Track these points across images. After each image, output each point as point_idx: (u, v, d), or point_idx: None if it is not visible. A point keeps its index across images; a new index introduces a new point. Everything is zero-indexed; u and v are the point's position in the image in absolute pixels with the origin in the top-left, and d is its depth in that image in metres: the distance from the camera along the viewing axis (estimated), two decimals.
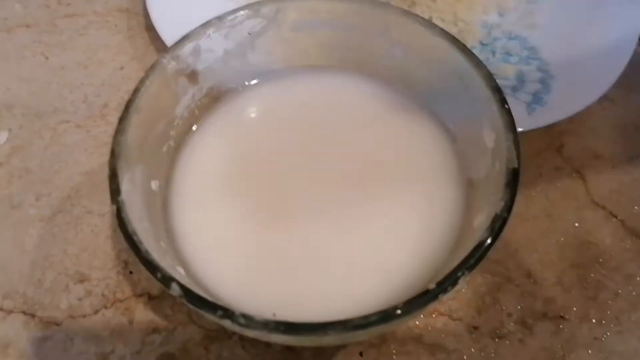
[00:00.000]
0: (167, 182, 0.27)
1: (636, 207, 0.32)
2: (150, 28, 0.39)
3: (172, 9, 0.38)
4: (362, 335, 0.24)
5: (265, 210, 0.26)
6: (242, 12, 0.27)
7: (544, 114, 0.32)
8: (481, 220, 0.23)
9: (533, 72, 0.35)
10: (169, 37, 0.36)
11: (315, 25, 0.29)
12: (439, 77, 0.28)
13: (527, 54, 0.36)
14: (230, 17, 0.27)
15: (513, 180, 0.22)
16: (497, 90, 0.24)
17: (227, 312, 0.19)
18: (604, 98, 0.33)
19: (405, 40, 0.28)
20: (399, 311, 0.20)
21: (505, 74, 0.35)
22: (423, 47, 0.27)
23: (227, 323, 0.19)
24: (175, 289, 0.20)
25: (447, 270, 0.22)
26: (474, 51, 0.36)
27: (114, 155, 0.23)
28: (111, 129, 0.35)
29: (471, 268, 0.20)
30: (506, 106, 0.24)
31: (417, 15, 0.27)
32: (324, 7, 0.28)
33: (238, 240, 0.25)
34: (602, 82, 0.33)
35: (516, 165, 0.22)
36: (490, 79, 0.25)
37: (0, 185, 0.33)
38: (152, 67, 0.25)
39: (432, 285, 0.20)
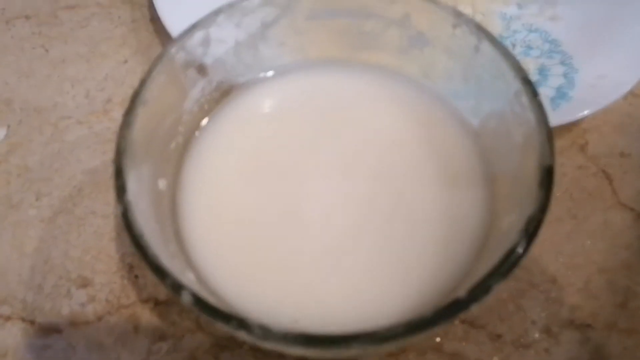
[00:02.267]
0: (175, 181, 0.25)
1: None
2: (155, 19, 0.38)
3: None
4: (387, 347, 0.22)
5: (281, 211, 0.24)
6: (254, 0, 0.26)
7: (569, 109, 0.30)
8: (511, 222, 0.22)
9: (556, 66, 0.33)
10: (174, 28, 0.34)
11: (331, 13, 0.27)
12: (463, 68, 0.26)
13: (548, 47, 0.34)
14: (242, 4, 0.26)
15: (548, 179, 0.21)
16: (528, 82, 0.23)
17: (242, 323, 0.18)
18: (629, 93, 0.31)
19: (427, 29, 0.26)
20: (427, 322, 0.18)
21: (527, 68, 0.33)
22: (446, 36, 0.26)
23: (242, 334, 0.18)
24: (186, 297, 0.18)
25: (474, 277, 0.21)
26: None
27: (119, 151, 0.21)
28: (115, 126, 0.33)
29: (505, 275, 0.19)
30: (538, 98, 0.22)
31: (439, 3, 0.25)
32: None
33: (252, 243, 0.24)
34: (629, 76, 0.31)
35: (551, 163, 0.21)
36: (520, 69, 0.23)
37: None
38: (159, 58, 0.24)
39: (462, 294, 0.19)
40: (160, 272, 0.19)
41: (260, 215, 0.24)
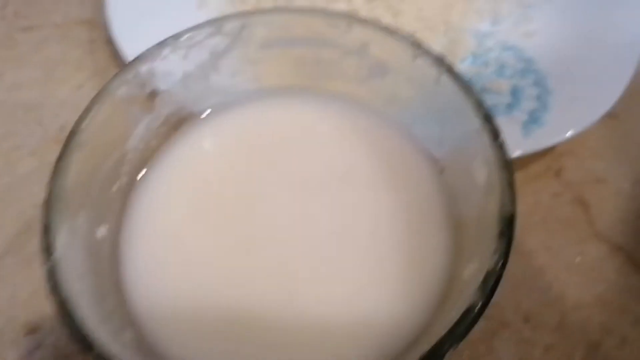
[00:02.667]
0: (117, 227, 0.24)
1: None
2: (112, 41, 0.36)
3: (134, 20, 0.34)
4: None
5: (232, 258, 0.23)
6: (201, 30, 0.24)
7: (541, 135, 0.29)
8: (472, 273, 0.20)
9: (529, 87, 0.32)
10: (130, 51, 0.33)
11: (286, 42, 0.26)
12: (425, 100, 0.24)
13: (522, 67, 0.33)
14: (188, 36, 0.24)
15: (508, 230, 0.19)
16: (488, 120, 0.21)
17: None
18: (607, 114, 0.30)
19: (386, 58, 0.25)
20: None
21: (499, 89, 0.32)
22: (406, 66, 0.24)
23: None
24: None
25: (433, 329, 0.19)
26: (466, 63, 0.34)
27: (48, 205, 0.20)
28: None
29: (461, 338, 0.18)
30: (499, 140, 0.21)
31: (398, 33, 0.24)
32: (296, 22, 0.25)
33: (199, 294, 0.22)
34: (605, 98, 0.30)
35: (512, 212, 0.19)
36: (480, 106, 0.22)
37: None
38: (99, 95, 0.22)
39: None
40: (85, 342, 0.17)
41: (208, 263, 0.23)
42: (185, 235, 0.24)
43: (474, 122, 0.21)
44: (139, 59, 0.24)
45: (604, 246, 0.28)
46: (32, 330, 0.27)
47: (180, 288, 0.23)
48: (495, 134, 0.21)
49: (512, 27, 0.35)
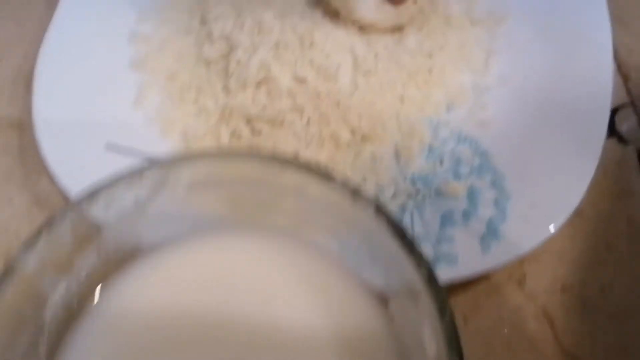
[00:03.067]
0: None
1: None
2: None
3: (62, 126, 0.32)
4: None
5: None
6: (119, 185, 0.22)
7: (501, 250, 0.27)
8: None
9: (486, 190, 0.30)
10: (58, 165, 0.30)
11: (215, 184, 0.23)
12: (367, 243, 0.23)
13: (478, 162, 0.31)
14: (106, 192, 0.22)
15: None
16: (438, 292, 0.19)
17: None
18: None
19: (325, 200, 0.23)
20: None
21: (455, 193, 0.30)
22: (344, 210, 0.22)
23: None
24: None
25: None
26: (421, 158, 0.32)
27: None
28: None
29: None
30: (447, 318, 0.19)
31: (335, 179, 0.22)
32: (223, 168, 0.23)
33: None
34: (567, 201, 0.28)
35: None
36: (420, 263, 0.20)
37: None
38: (5, 273, 0.20)
39: None
40: None
41: None
42: None
43: (422, 291, 0.19)
44: (50, 223, 0.21)
45: None
46: None
47: None
48: (443, 309, 0.19)
49: (467, 114, 0.33)
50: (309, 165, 0.22)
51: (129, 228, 0.24)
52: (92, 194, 0.22)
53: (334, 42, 0.33)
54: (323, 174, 0.22)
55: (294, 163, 0.22)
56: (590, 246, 0.30)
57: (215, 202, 0.24)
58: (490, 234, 0.28)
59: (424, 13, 0.36)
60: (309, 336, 0.23)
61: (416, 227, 0.29)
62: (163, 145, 0.33)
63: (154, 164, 0.22)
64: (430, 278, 0.19)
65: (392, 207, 0.30)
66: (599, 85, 0.32)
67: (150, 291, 0.24)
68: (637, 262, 0.30)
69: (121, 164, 0.31)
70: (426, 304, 0.19)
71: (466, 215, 0.29)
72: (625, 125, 0.33)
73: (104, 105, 0.33)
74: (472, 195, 0.30)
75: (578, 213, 0.31)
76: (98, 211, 0.22)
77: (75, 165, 0.31)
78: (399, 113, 0.33)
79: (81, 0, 0.36)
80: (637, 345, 0.28)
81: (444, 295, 0.19)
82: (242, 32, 0.33)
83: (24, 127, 0.35)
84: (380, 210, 0.21)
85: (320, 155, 0.31)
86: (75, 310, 0.23)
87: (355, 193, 0.21)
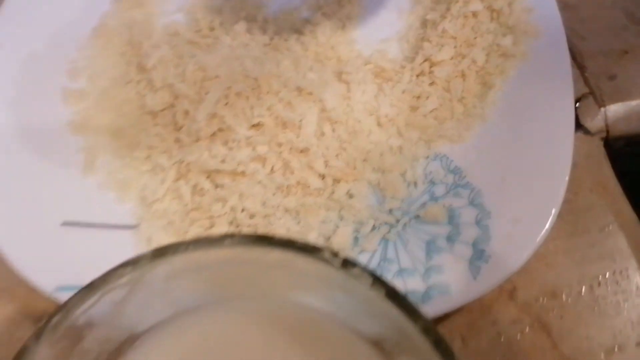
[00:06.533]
0: None
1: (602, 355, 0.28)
2: None
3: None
4: None
5: None
6: (94, 293, 0.20)
7: (491, 273, 0.27)
8: None
9: (466, 209, 0.29)
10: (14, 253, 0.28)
11: (194, 270, 0.22)
12: (363, 306, 0.22)
13: (452, 180, 0.31)
14: (79, 309, 0.20)
15: None
16: (441, 345, 0.19)
17: None
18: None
19: (313, 272, 0.22)
20: None
21: (435, 218, 0.29)
22: (334, 279, 0.21)
23: None
24: None
25: None
26: (400, 180, 0.31)
27: None
28: None
29: None
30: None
31: (322, 252, 0.20)
32: (201, 256, 0.21)
33: None
34: (547, 209, 0.28)
35: None
36: (425, 328, 0.19)
37: None
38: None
39: None
40: None
41: None
42: None
43: (415, 335, 0.19)
44: (56, 321, 0.19)
45: None
46: None
47: None
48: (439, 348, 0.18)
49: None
50: (293, 243, 0.21)
51: (115, 323, 0.22)
52: (67, 307, 0.20)
53: (296, 90, 0.31)
54: (309, 249, 0.21)
55: (277, 243, 0.21)
56: (573, 245, 0.30)
57: (197, 283, 0.23)
58: (478, 256, 0.28)
59: None
60: None
61: (402, 259, 0.28)
62: (120, 211, 0.31)
63: (127, 265, 0.21)
64: (429, 332, 0.19)
65: (374, 242, 0.29)
66: (559, 78, 0.32)
67: None
68: (621, 254, 0.30)
69: (81, 237, 0.30)
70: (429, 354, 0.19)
71: (450, 240, 0.29)
72: (588, 116, 0.33)
73: (51, 179, 0.31)
74: (452, 217, 0.29)
75: (559, 216, 0.31)
76: (81, 316, 0.21)
77: (32, 248, 0.29)
78: (371, 154, 0.31)
79: (6, 62, 0.33)
80: (629, 338, 0.28)
81: (446, 345, 0.19)
82: (185, 80, 0.31)
83: None
84: (375, 277, 0.20)
85: (290, 202, 0.30)
86: None
87: (345, 263, 0.20)
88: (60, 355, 0.21)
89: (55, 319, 0.20)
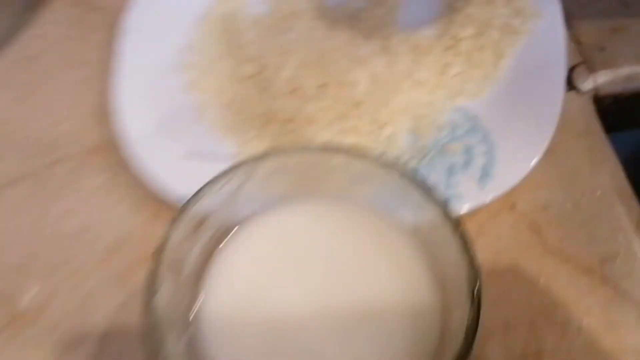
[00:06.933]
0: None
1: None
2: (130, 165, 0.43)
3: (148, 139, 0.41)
4: None
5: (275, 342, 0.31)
6: (219, 182, 0.31)
7: (495, 187, 0.37)
8: (457, 324, 0.28)
9: (478, 145, 0.39)
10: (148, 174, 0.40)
11: (282, 171, 0.33)
12: (400, 197, 0.32)
13: (469, 125, 0.41)
14: (215, 185, 0.31)
15: (477, 300, 0.27)
16: (452, 219, 0.29)
17: None
18: (544, 151, 0.38)
19: (364, 172, 0.32)
20: None
21: (454, 151, 0.39)
22: (381, 178, 0.32)
23: None
24: None
25: None
26: (430, 126, 0.41)
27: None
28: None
29: None
30: (459, 233, 0.28)
31: (370, 156, 0.31)
32: (288, 159, 0.32)
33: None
34: (541, 142, 0.38)
35: (477, 287, 0.27)
36: (438, 204, 0.29)
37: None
38: (170, 229, 0.30)
39: None
40: None
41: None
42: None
43: (438, 217, 0.29)
44: (187, 204, 0.31)
45: (557, 259, 0.37)
46: None
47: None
48: (454, 224, 0.29)
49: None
50: (349, 150, 0.31)
51: (227, 211, 0.34)
52: (199, 192, 0.31)
53: (352, 60, 0.42)
54: (361, 155, 0.31)
55: (339, 150, 0.32)
56: (561, 174, 0.40)
57: (283, 183, 0.34)
58: (485, 176, 0.38)
59: None
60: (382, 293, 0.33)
61: (428, 179, 0.39)
62: (225, 147, 0.42)
63: (241, 163, 0.32)
64: (446, 212, 0.29)
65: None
66: (555, 50, 0.41)
67: (256, 243, 0.34)
68: (598, 181, 0.39)
69: (199, 167, 0.41)
70: (446, 228, 0.29)
71: (465, 166, 0.39)
72: (580, 79, 0.43)
73: (173, 120, 0.43)
74: (467, 151, 0.39)
75: (549, 150, 0.40)
76: (206, 204, 0.32)
77: (161, 172, 0.41)
78: (408, 107, 0.42)
79: (138, 41, 0.46)
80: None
81: (457, 221, 0.29)
82: (269, 54, 0.43)
83: (108, 149, 0.44)
84: (406, 174, 0.30)
85: (347, 141, 0.40)
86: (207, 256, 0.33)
87: (384, 164, 0.31)
88: (188, 235, 0.32)
89: (190, 202, 0.31)
